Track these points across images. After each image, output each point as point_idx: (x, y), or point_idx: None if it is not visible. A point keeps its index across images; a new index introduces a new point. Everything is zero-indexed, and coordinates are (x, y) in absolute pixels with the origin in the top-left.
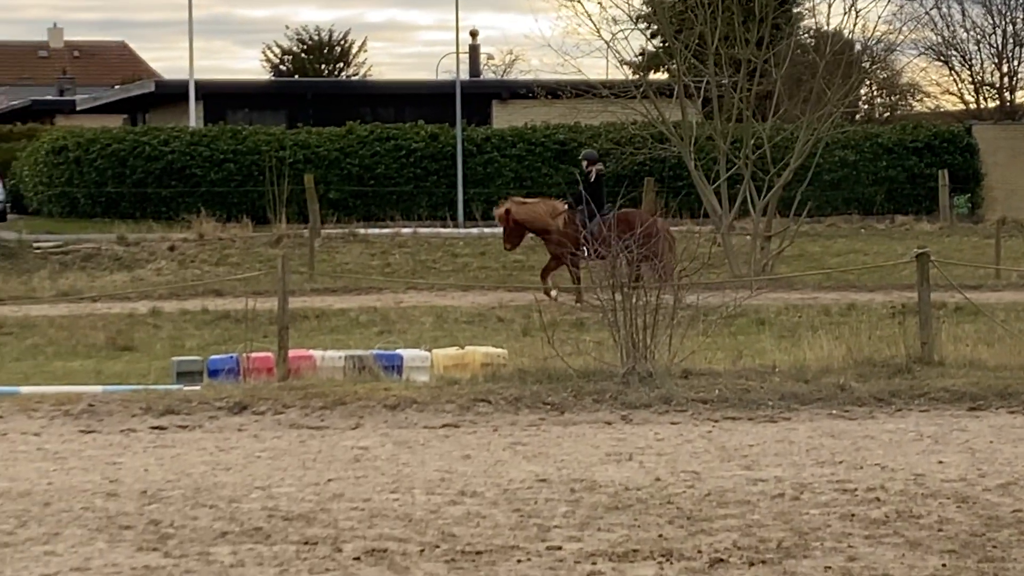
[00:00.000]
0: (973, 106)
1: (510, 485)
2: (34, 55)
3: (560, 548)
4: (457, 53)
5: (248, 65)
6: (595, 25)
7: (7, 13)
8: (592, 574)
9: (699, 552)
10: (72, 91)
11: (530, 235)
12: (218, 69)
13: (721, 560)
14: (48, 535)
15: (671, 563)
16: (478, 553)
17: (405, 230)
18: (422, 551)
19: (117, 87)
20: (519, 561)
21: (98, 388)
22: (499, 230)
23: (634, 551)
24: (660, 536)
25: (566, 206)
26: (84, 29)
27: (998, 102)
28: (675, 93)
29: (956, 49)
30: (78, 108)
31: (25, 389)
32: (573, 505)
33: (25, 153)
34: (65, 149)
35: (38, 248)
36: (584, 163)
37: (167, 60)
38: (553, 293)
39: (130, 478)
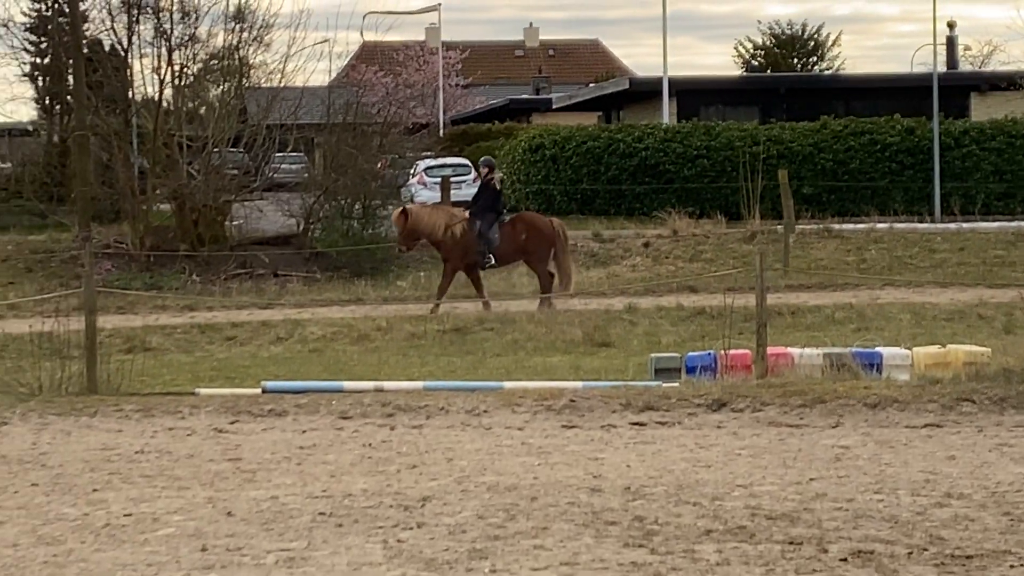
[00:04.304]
0: None
1: (998, 488)
2: (511, 54)
3: None
4: (935, 45)
5: (713, 60)
6: None
7: (480, 13)
8: None
9: None
10: (547, 89)
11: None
12: (684, 65)
13: None
14: (536, 529)
15: None
16: (968, 557)
17: (880, 225)
18: (910, 554)
19: (591, 85)
20: (1012, 567)
21: (578, 384)
22: (979, 224)
23: None
24: None
25: (467, 214)
26: (554, 27)
27: None
28: None
29: None
30: (554, 106)
31: (508, 384)
32: None
33: (503, 151)
34: (542, 147)
35: None
36: (484, 170)
37: (634, 57)
38: (439, 311)
39: (612, 474)
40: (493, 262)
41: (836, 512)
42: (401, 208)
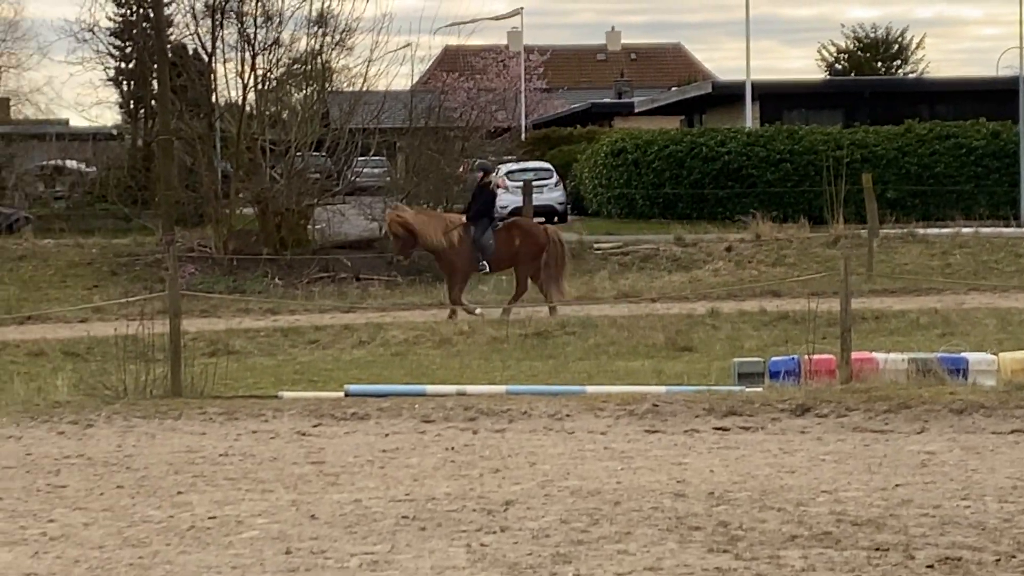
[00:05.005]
0: None
1: None
2: (592, 58)
3: None
4: (1021, 47)
5: (795, 64)
6: None
7: (560, 18)
8: None
9: None
10: (629, 93)
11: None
12: (766, 69)
13: None
14: (620, 534)
15: None
16: None
17: (966, 230)
18: (997, 561)
19: (674, 89)
20: None
21: (661, 388)
22: None
23: None
24: None
25: (463, 220)
26: (634, 31)
27: None
28: None
29: None
30: (636, 110)
31: (591, 388)
32: None
33: (585, 155)
34: (624, 151)
35: (598, 249)
36: (480, 175)
37: (715, 61)
38: (478, 311)
39: (696, 479)
40: (487, 269)
41: (922, 518)
42: (397, 213)
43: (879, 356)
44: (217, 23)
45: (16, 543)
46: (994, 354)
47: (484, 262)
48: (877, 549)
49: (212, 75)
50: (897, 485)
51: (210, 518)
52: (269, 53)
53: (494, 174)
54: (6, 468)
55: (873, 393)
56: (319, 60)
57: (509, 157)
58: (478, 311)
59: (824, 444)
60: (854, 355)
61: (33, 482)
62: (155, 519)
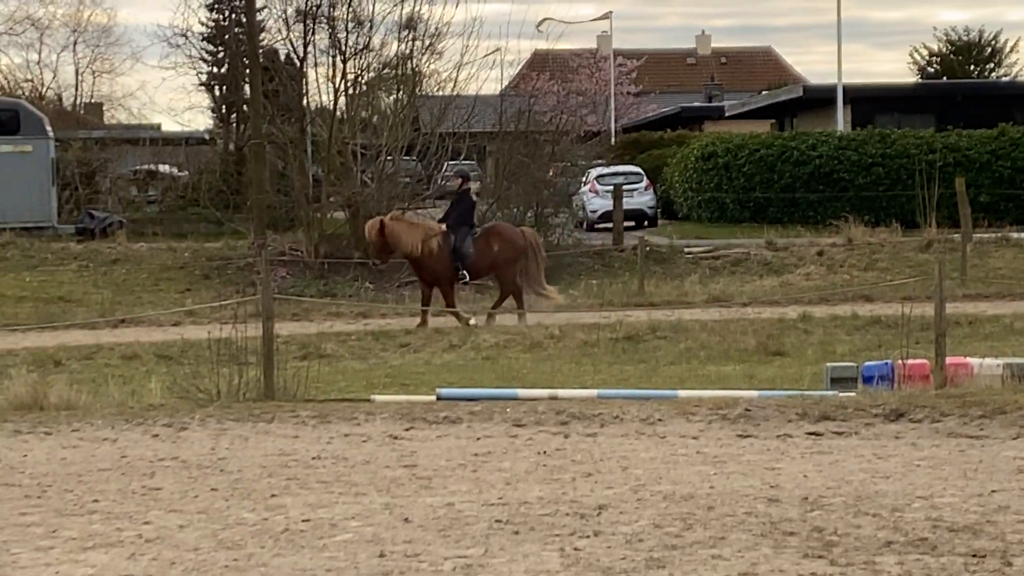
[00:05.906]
0: None
1: None
2: (682, 62)
3: None
4: None
5: (886, 68)
6: None
7: (649, 21)
8: None
9: None
10: (720, 97)
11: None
12: (857, 72)
13: None
14: (713, 539)
15: None
16: None
17: None
18: None
19: (764, 92)
20: None
21: (753, 393)
22: None
23: None
24: None
25: (443, 227)
26: (722, 35)
27: None
28: None
29: None
30: (726, 114)
31: (683, 393)
32: None
33: (675, 159)
34: (714, 155)
35: (689, 253)
36: (459, 181)
37: (804, 64)
38: (472, 321)
39: (790, 484)
40: (467, 278)
41: (1019, 525)
42: (379, 220)
43: (974, 361)
44: (308, 28)
45: (112, 545)
46: None
47: (464, 271)
48: (974, 555)
49: (304, 80)
50: (993, 491)
51: (304, 521)
52: (360, 58)
53: (471, 181)
54: (102, 470)
55: (968, 398)
56: (409, 64)
57: (599, 161)
58: (473, 321)
59: (919, 449)
60: (948, 360)
61: (128, 484)
62: (249, 521)
